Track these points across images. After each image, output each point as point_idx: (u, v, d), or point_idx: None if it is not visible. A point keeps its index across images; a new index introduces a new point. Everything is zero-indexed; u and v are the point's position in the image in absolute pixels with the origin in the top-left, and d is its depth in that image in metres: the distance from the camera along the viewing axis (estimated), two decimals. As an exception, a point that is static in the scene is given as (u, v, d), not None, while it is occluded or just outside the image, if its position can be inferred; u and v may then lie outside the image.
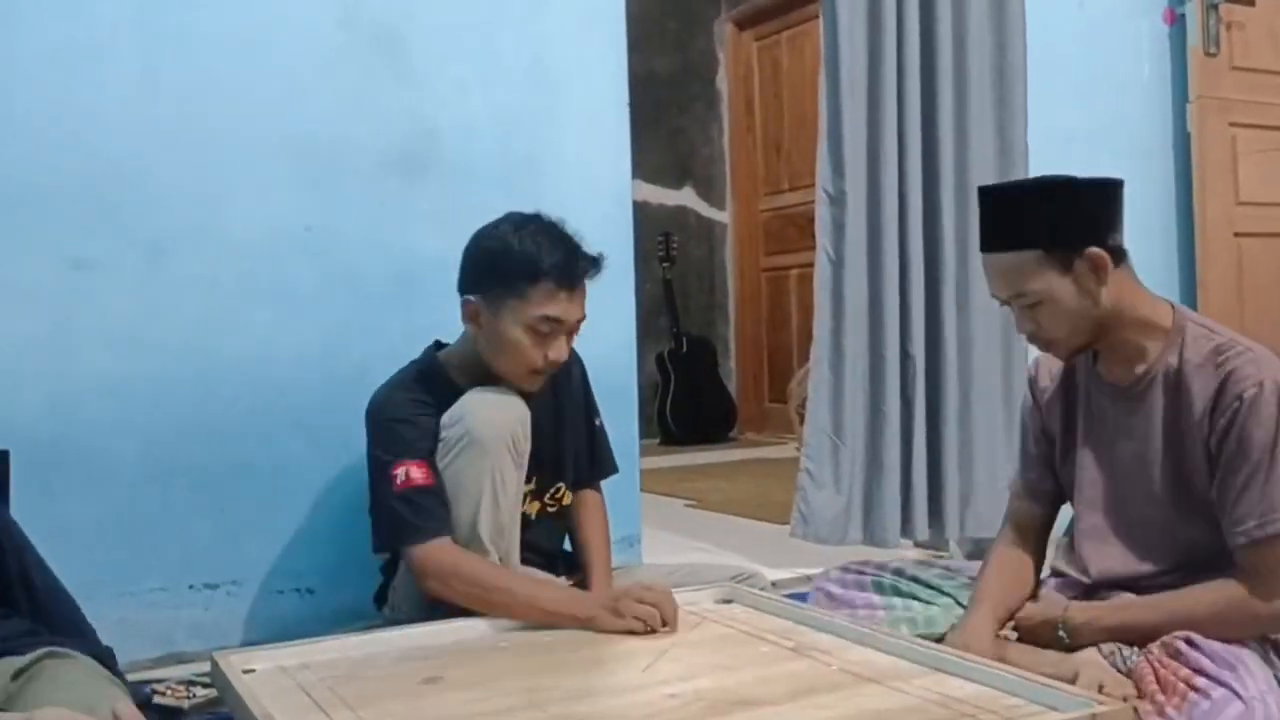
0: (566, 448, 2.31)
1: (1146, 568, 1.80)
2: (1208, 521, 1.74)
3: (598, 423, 2.40)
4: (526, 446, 2.07)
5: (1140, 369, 1.81)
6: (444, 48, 2.65)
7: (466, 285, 2.13)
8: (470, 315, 2.12)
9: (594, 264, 2.12)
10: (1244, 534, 1.68)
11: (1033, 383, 2.02)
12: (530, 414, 2.09)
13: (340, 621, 2.20)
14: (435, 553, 1.99)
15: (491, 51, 2.70)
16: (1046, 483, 1.99)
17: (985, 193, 1.90)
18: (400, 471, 2.02)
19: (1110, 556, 1.85)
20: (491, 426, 2.01)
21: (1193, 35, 3.72)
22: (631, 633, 1.86)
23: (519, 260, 2.05)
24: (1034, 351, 1.96)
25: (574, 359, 2.35)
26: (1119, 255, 1.79)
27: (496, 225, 2.12)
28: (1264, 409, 1.67)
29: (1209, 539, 1.74)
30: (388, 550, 2.13)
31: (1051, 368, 1.98)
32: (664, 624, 1.88)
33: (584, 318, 2.12)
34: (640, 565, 2.66)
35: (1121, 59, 3.74)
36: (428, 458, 2.04)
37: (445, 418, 2.04)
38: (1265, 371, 1.68)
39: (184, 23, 2.39)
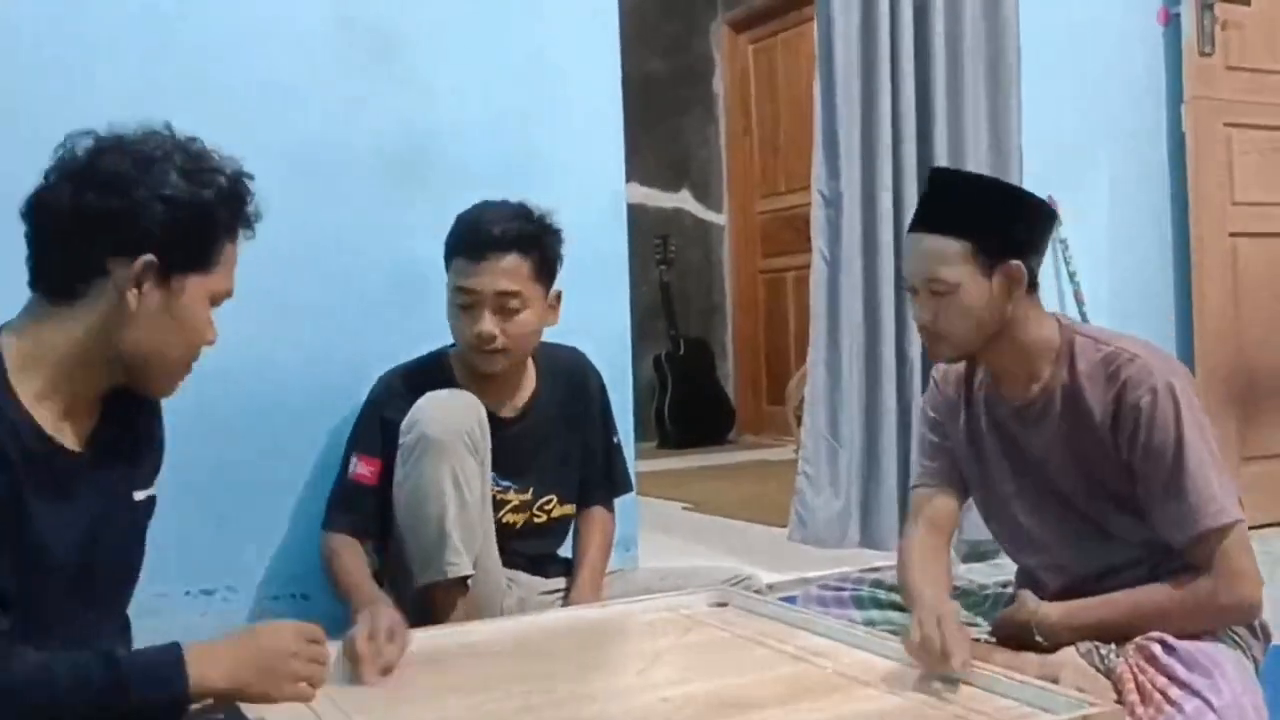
0: (571, 462, 2.31)
1: (1096, 565, 1.82)
2: (1137, 517, 1.76)
3: (615, 440, 2.41)
4: (485, 442, 2.08)
5: (1036, 387, 1.83)
6: (440, 51, 2.64)
7: None
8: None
9: (520, 234, 2.10)
10: (1178, 536, 1.70)
11: (937, 385, 2.03)
12: (486, 410, 2.10)
13: (335, 627, 2.18)
14: (330, 541, 2.14)
15: (487, 54, 2.70)
16: (954, 471, 1.98)
17: (938, 173, 1.94)
18: (354, 461, 2.16)
19: (1054, 565, 1.88)
20: (444, 426, 2.02)
21: (1187, 35, 3.71)
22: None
23: (448, 238, 2.17)
24: None
25: (591, 374, 2.36)
26: (1033, 281, 1.82)
27: None
28: (1161, 414, 1.70)
29: (1142, 532, 1.76)
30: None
31: (951, 378, 1.99)
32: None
33: (509, 291, 2.10)
34: (636, 569, 2.66)
35: (1116, 59, 3.74)
36: (383, 457, 2.11)
37: (403, 424, 2.06)
38: (1156, 376, 1.71)
39: (181, 26, 2.39)
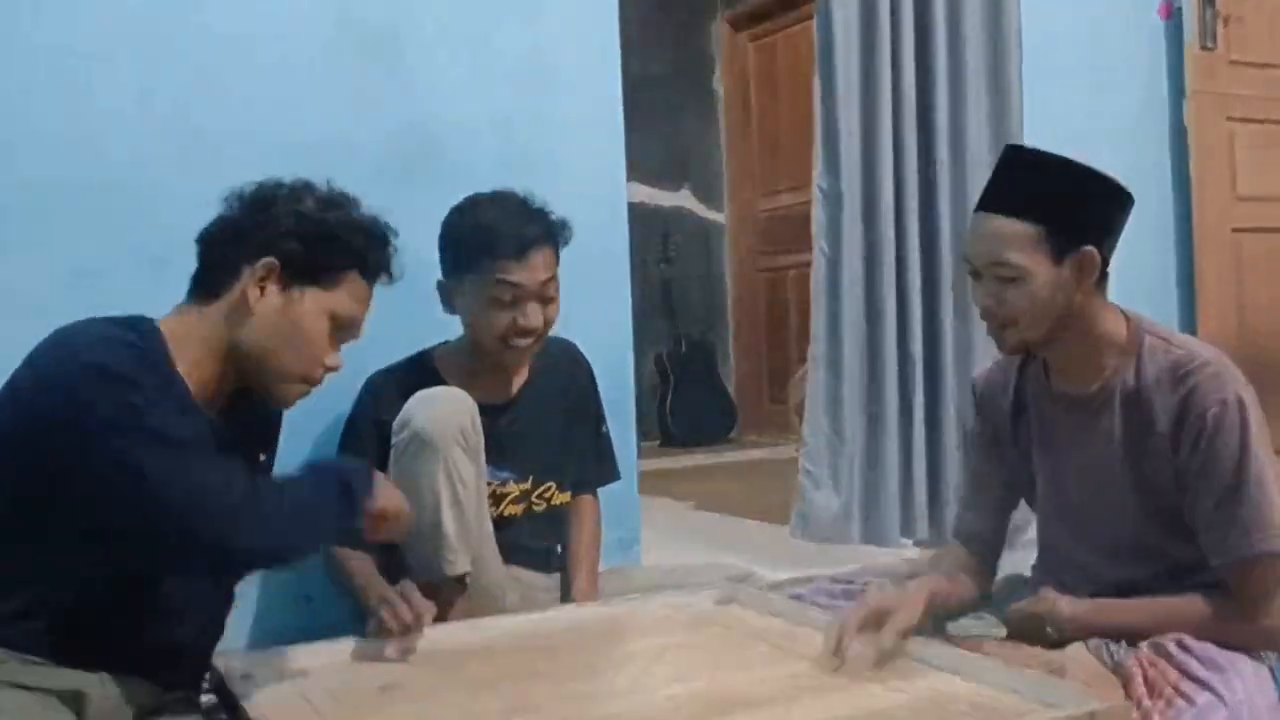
0: (567, 449, 2.31)
1: (1121, 576, 1.79)
2: (1178, 530, 1.72)
3: (604, 429, 2.41)
4: (479, 440, 2.07)
5: (1096, 383, 1.78)
6: (439, 50, 2.64)
7: (442, 271, 2.20)
8: (448, 298, 2.19)
9: (548, 228, 2.14)
10: (1222, 556, 1.66)
11: (979, 395, 2.00)
12: (479, 400, 2.09)
13: (339, 628, 2.18)
14: (334, 552, 2.10)
15: (487, 53, 2.69)
16: (994, 495, 1.98)
17: (1015, 150, 1.84)
18: None
19: (1082, 567, 1.85)
20: (437, 424, 2.01)
21: (1189, 29, 3.71)
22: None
23: (469, 237, 2.15)
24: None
25: (581, 363, 2.37)
26: (1105, 269, 1.76)
27: (456, 207, 2.19)
28: (1228, 427, 1.65)
29: (1180, 546, 1.73)
30: None
31: (996, 382, 1.96)
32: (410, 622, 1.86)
33: (550, 279, 2.13)
34: (639, 567, 2.66)
35: (1117, 54, 3.73)
36: (376, 460, 2.07)
37: (395, 424, 2.05)
38: (1228, 388, 1.66)
39: (180, 28, 2.38)
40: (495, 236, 2.11)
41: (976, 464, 2.00)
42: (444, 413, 2.03)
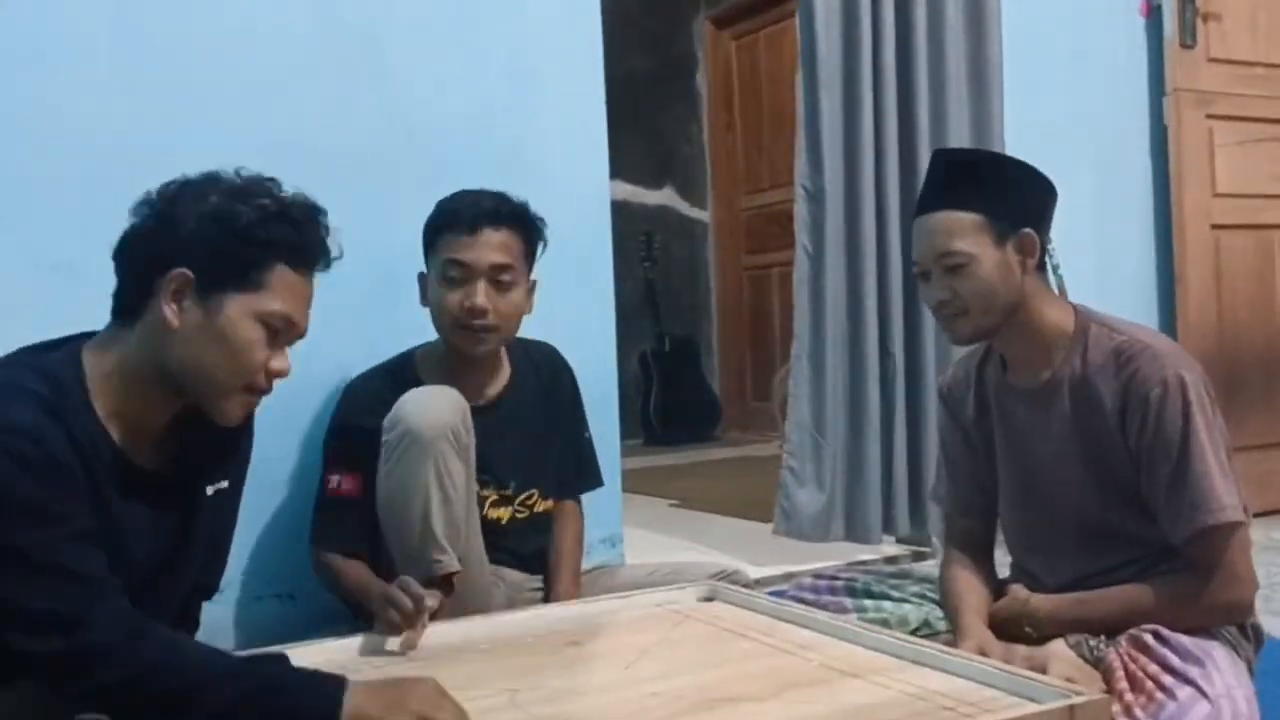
0: (549, 455, 2.31)
1: (1091, 565, 1.80)
2: (1140, 509, 1.75)
3: (586, 435, 2.41)
4: (470, 439, 2.06)
5: (1046, 373, 1.82)
6: (421, 49, 2.64)
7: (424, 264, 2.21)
8: (423, 290, 2.20)
9: (509, 211, 2.14)
10: (1178, 531, 1.69)
11: (945, 398, 2.03)
12: (468, 406, 2.08)
13: (320, 627, 2.18)
14: (325, 558, 2.16)
15: (468, 51, 2.69)
16: (979, 497, 1.99)
17: (940, 154, 1.93)
18: (334, 478, 2.16)
19: (1052, 560, 1.87)
20: (429, 424, 2.00)
21: (1169, 27, 3.73)
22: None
23: (432, 219, 2.17)
24: None
25: (564, 368, 2.36)
26: (1043, 258, 1.82)
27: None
28: (1170, 407, 1.69)
29: (1146, 526, 1.75)
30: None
31: (959, 384, 1.99)
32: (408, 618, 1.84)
33: (503, 264, 2.12)
34: (622, 565, 2.66)
35: (1098, 51, 3.75)
36: (363, 469, 2.09)
37: (385, 422, 2.04)
38: (1167, 368, 1.70)
39: (160, 24, 2.38)
40: (449, 213, 2.13)
41: (957, 467, 2.01)
42: (436, 412, 2.02)
